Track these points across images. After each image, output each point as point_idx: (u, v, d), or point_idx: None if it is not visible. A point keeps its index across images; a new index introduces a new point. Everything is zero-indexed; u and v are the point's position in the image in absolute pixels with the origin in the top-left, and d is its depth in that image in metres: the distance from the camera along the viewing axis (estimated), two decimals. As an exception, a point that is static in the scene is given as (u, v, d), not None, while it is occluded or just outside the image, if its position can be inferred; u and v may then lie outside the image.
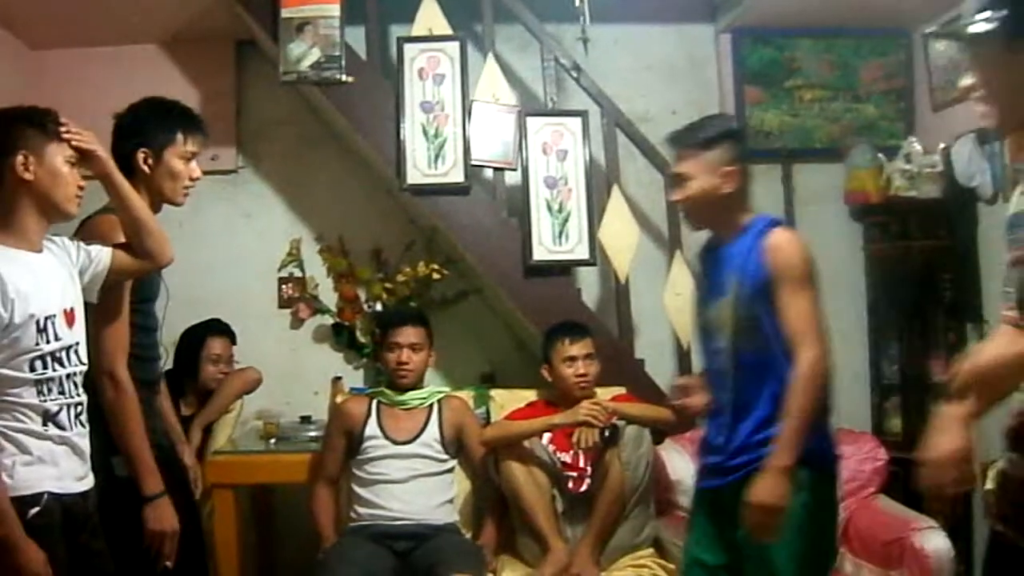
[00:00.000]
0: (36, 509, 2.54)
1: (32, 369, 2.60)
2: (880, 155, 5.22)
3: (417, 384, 4.29)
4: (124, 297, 2.98)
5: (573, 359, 4.20)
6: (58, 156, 2.67)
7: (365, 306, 5.21)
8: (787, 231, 3.02)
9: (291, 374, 5.10)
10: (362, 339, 5.14)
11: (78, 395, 2.72)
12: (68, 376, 2.68)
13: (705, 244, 3.23)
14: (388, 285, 5.09)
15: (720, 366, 3.04)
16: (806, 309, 2.87)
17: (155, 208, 3.10)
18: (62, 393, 2.66)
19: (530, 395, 4.44)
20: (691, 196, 3.07)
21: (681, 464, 4.42)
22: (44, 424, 2.61)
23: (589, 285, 5.22)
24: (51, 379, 2.63)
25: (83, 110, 5.02)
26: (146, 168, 3.07)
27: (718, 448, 3.05)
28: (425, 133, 4.64)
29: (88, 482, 2.76)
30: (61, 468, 2.65)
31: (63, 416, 2.66)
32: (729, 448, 2.99)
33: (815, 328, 2.87)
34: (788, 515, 2.78)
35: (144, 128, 3.10)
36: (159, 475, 2.97)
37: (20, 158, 2.60)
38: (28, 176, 2.61)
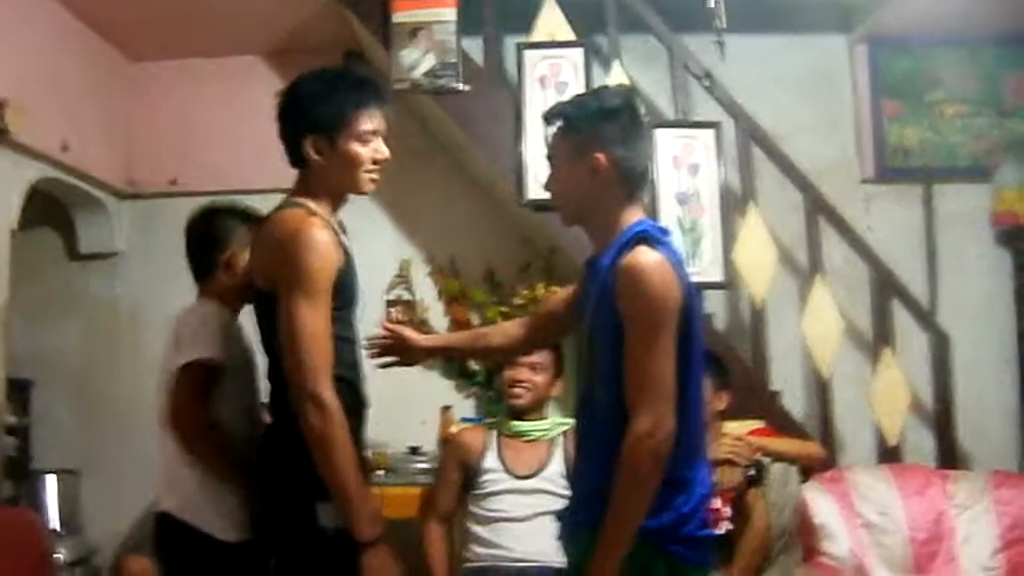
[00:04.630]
0: None
1: None
2: (1030, 174, 4.88)
3: (536, 412, 3.97)
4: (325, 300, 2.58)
5: None
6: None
7: (477, 331, 4.91)
8: (645, 252, 2.41)
9: (398, 402, 4.76)
10: (474, 366, 4.83)
11: None
12: None
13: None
14: (503, 308, 4.80)
15: (580, 396, 2.67)
16: (649, 363, 2.35)
17: (339, 200, 2.73)
18: None
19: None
20: (554, 185, 2.63)
21: (826, 506, 4.11)
22: None
23: (718, 311, 4.87)
24: None
25: (184, 123, 5.02)
26: (318, 158, 2.64)
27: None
28: (547, 145, 4.33)
29: None
30: None
31: None
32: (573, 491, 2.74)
33: (656, 389, 2.35)
34: None
35: (308, 110, 2.65)
36: (378, 517, 2.55)
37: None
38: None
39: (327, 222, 2.62)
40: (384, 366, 3.00)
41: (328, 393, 2.49)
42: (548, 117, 2.64)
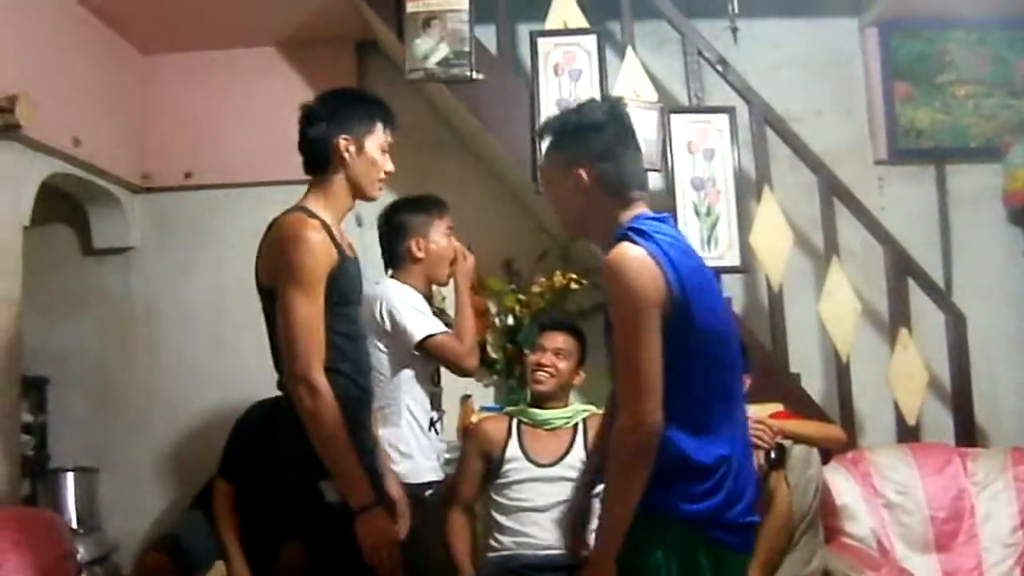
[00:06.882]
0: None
1: None
2: (1041, 154, 4.88)
3: (557, 398, 3.99)
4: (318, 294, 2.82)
5: None
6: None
7: (496, 320, 4.90)
8: (623, 248, 2.42)
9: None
10: (493, 354, 4.83)
11: None
12: None
13: None
14: (521, 296, 4.80)
15: None
16: (630, 359, 2.37)
17: (344, 208, 3.04)
18: None
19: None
20: (550, 200, 2.74)
21: (847, 487, 4.13)
22: None
23: (736, 294, 4.87)
24: None
25: (198, 116, 5.00)
26: (347, 156, 2.95)
27: None
28: (561, 132, 4.32)
29: None
30: None
31: None
32: None
33: (638, 385, 2.36)
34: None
35: (345, 115, 2.97)
36: (368, 484, 2.78)
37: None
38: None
39: (325, 225, 2.86)
40: None
41: (318, 376, 2.72)
42: (539, 133, 2.74)
